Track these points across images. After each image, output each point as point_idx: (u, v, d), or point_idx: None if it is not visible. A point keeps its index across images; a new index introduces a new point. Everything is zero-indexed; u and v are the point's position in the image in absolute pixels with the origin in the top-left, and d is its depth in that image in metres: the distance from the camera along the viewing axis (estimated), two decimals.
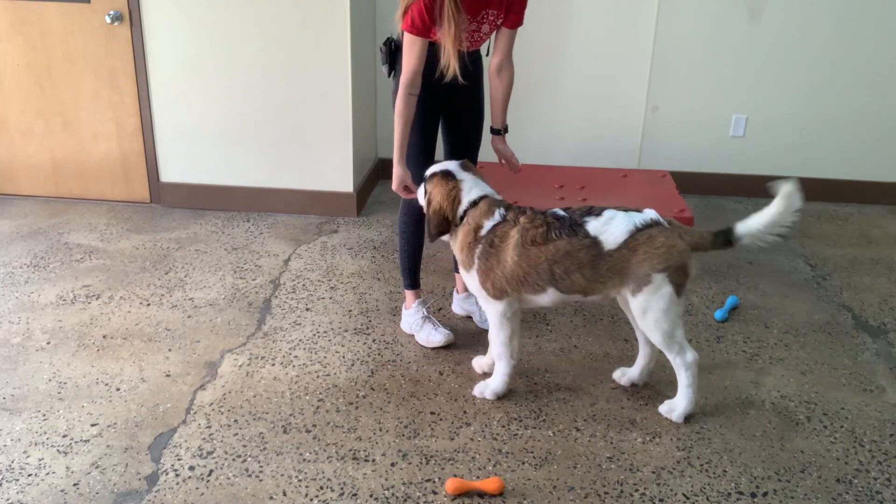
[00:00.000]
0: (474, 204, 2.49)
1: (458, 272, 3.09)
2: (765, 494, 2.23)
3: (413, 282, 3.03)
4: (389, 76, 2.86)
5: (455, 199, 2.50)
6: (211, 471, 2.27)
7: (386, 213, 4.26)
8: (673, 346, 2.42)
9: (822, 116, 4.43)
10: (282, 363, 2.82)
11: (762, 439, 2.46)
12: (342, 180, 4.16)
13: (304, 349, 2.91)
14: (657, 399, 2.63)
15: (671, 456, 2.37)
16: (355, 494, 2.19)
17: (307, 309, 3.21)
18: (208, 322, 3.10)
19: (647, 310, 2.37)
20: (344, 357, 2.87)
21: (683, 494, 2.22)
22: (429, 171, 2.61)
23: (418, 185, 2.73)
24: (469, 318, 3.15)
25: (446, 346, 2.91)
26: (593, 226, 2.34)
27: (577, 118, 4.54)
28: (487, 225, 2.45)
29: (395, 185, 2.74)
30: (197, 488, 2.20)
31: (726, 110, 4.48)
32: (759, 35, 4.31)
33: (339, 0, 3.84)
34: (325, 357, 2.87)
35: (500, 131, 2.96)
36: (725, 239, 2.34)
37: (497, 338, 2.56)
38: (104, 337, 2.98)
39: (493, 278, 2.46)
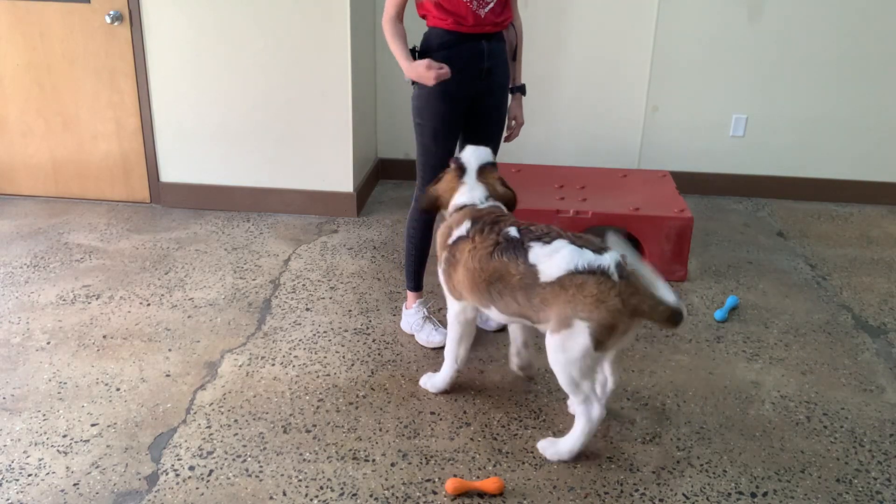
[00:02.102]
0: (458, 209, 2.50)
1: None
2: (765, 494, 2.23)
3: (416, 284, 3.03)
4: (413, 84, 2.76)
5: (451, 197, 2.54)
6: (211, 471, 2.27)
7: (386, 213, 4.26)
8: (579, 394, 2.27)
9: (823, 116, 4.44)
10: (282, 363, 2.82)
11: (762, 439, 2.46)
12: (342, 180, 4.16)
13: (304, 349, 2.91)
14: (657, 399, 2.63)
15: (671, 456, 2.37)
16: (355, 494, 2.19)
17: (307, 309, 3.21)
18: (208, 322, 3.10)
19: (560, 350, 2.22)
20: (344, 357, 2.87)
21: (683, 494, 2.22)
22: (463, 154, 2.58)
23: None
24: None
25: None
26: (535, 253, 2.24)
27: (577, 118, 4.54)
28: (455, 235, 2.44)
29: (429, 77, 2.55)
30: (197, 488, 2.20)
31: (726, 110, 4.48)
32: (759, 35, 4.31)
33: (338, 0, 3.84)
34: (325, 357, 2.87)
35: (514, 90, 2.93)
36: (673, 315, 2.15)
37: (449, 336, 2.60)
38: (104, 337, 2.98)
39: (454, 282, 2.48)
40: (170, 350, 2.90)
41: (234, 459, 2.32)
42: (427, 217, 2.91)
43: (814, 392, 2.72)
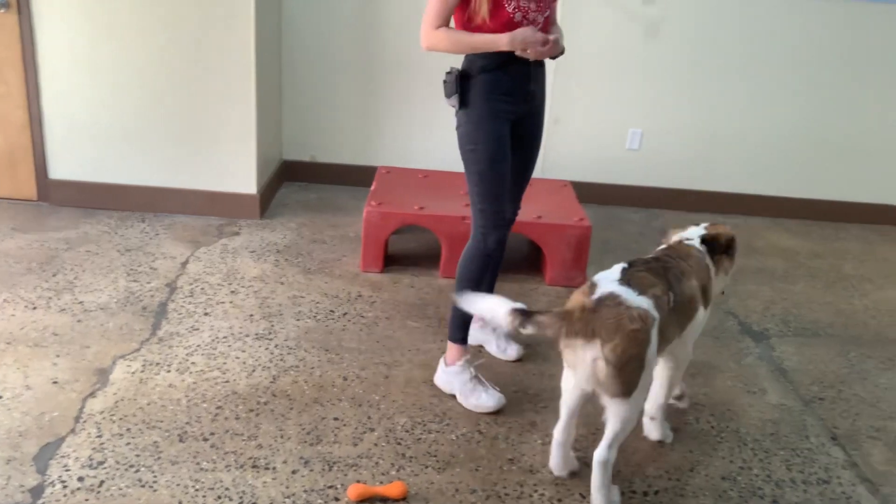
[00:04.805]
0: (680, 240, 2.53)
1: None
2: (656, 493, 2.32)
3: (463, 335, 2.70)
4: (460, 109, 2.51)
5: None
6: (102, 481, 2.17)
7: (290, 216, 4.20)
8: None
9: (712, 132, 4.68)
10: (178, 370, 2.73)
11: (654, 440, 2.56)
12: (245, 181, 4.07)
13: (202, 355, 2.83)
14: (556, 402, 2.70)
15: None
16: (254, 503, 2.14)
17: (206, 313, 3.12)
18: (99, 327, 2.97)
19: None
20: (245, 363, 2.81)
21: (580, 494, 2.29)
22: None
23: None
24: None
25: (350, 351, 2.89)
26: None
27: None
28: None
29: (538, 39, 2.38)
30: (87, 500, 2.10)
31: (623, 124, 4.66)
32: (654, 53, 4.51)
33: None
34: (224, 363, 2.79)
35: None
36: None
37: None
38: None
39: None
40: (57, 356, 2.76)
41: (126, 469, 2.23)
42: (489, 259, 2.61)
43: (702, 394, 2.85)
